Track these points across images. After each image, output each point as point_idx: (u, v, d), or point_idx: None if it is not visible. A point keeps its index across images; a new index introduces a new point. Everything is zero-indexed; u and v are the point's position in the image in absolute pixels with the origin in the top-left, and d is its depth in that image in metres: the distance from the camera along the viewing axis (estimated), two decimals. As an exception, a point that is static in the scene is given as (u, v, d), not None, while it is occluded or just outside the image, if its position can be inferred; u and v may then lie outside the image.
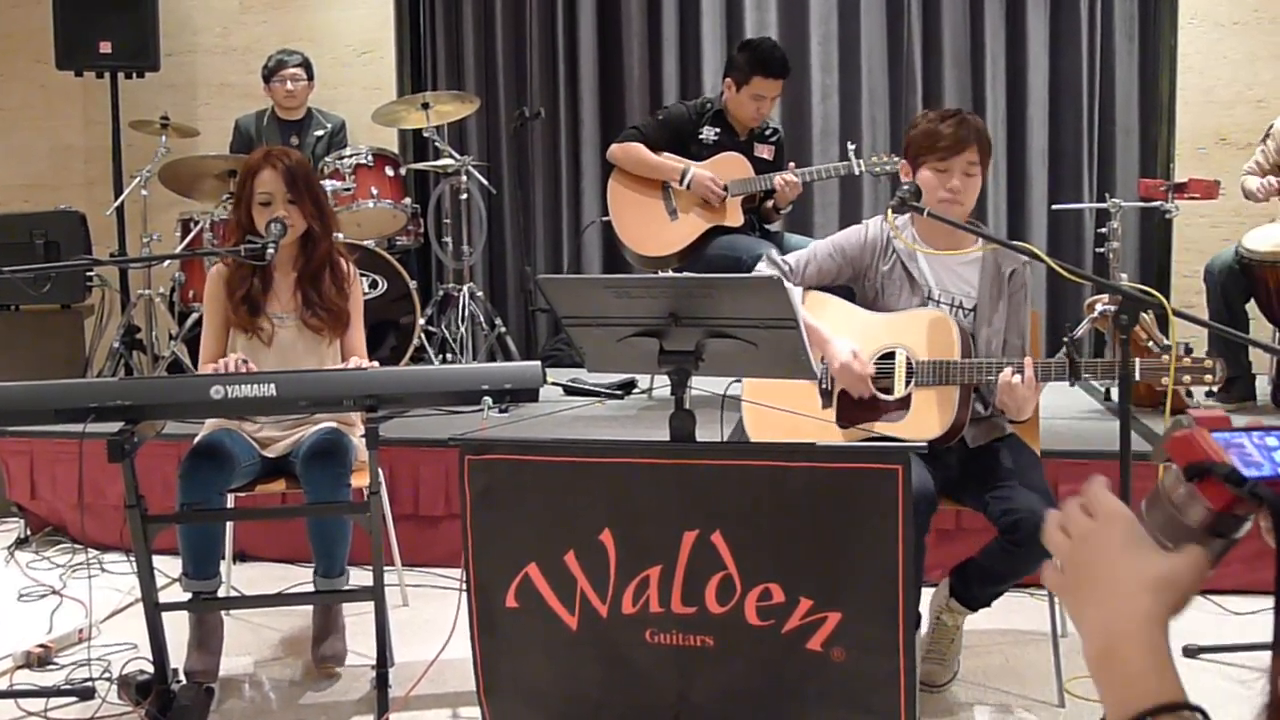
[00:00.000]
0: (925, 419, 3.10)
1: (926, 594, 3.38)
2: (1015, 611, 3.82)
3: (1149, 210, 5.55)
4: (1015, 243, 3.10)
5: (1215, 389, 2.88)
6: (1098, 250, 5.24)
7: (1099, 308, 4.82)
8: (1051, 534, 1.13)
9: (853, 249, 3.33)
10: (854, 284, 3.37)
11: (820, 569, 2.62)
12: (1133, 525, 1.08)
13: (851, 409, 3.19)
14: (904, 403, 3.13)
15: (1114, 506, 1.08)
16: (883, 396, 3.14)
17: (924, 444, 2.90)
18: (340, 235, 5.41)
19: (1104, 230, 5.11)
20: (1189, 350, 2.89)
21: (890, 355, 3.16)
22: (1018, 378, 2.97)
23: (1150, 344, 4.58)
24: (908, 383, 3.13)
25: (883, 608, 2.58)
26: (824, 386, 3.23)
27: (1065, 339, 3.01)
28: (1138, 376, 2.85)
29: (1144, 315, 4.24)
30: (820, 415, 3.21)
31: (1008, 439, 3.25)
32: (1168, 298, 4.61)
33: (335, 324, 3.65)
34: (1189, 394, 4.55)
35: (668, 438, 2.71)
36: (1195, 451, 1.06)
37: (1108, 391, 5.17)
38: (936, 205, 3.14)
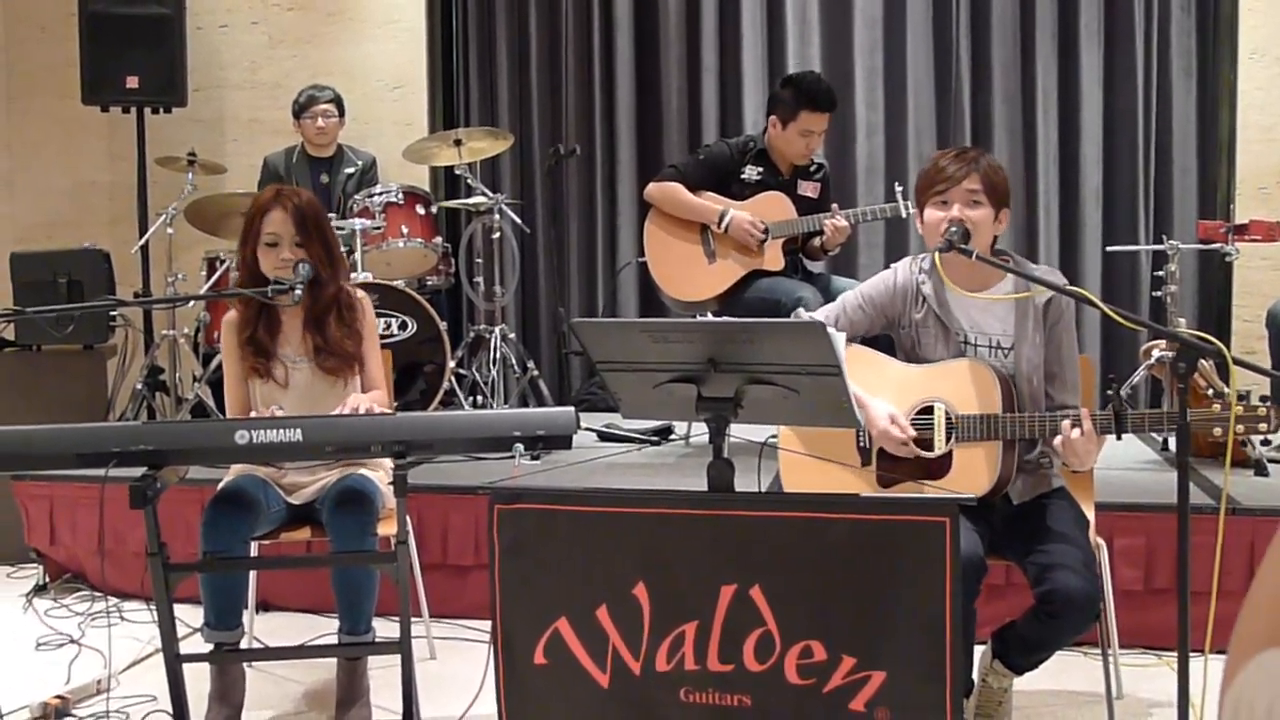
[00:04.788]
0: (968, 476, 3.07)
1: (978, 653, 3.35)
2: (1068, 671, 3.78)
3: (1208, 253, 5.53)
4: (1063, 285, 3.08)
5: (1270, 438, 2.84)
6: (1154, 294, 5.21)
7: (1155, 354, 4.79)
8: None
9: (882, 298, 3.30)
10: (890, 332, 3.35)
11: (864, 626, 2.60)
12: None
13: (890, 466, 3.17)
14: (945, 460, 3.11)
15: None
16: (923, 454, 3.12)
17: (973, 497, 2.88)
18: (368, 275, 5.49)
19: (1161, 273, 5.08)
20: (1242, 396, 2.87)
21: (928, 409, 3.15)
22: (1076, 431, 2.94)
23: (1210, 392, 4.55)
24: (948, 438, 3.11)
25: (930, 667, 2.56)
26: (862, 444, 3.22)
27: (1110, 391, 2.98)
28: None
29: (1203, 363, 4.22)
30: (860, 471, 3.20)
31: (1055, 494, 3.23)
32: (1228, 344, 4.57)
33: (349, 367, 3.67)
34: (1244, 444, 4.51)
35: (705, 487, 2.71)
36: None
37: (1165, 441, 5.13)
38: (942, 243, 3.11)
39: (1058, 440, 2.97)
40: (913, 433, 3.10)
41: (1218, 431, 2.86)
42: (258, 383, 3.65)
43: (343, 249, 5.50)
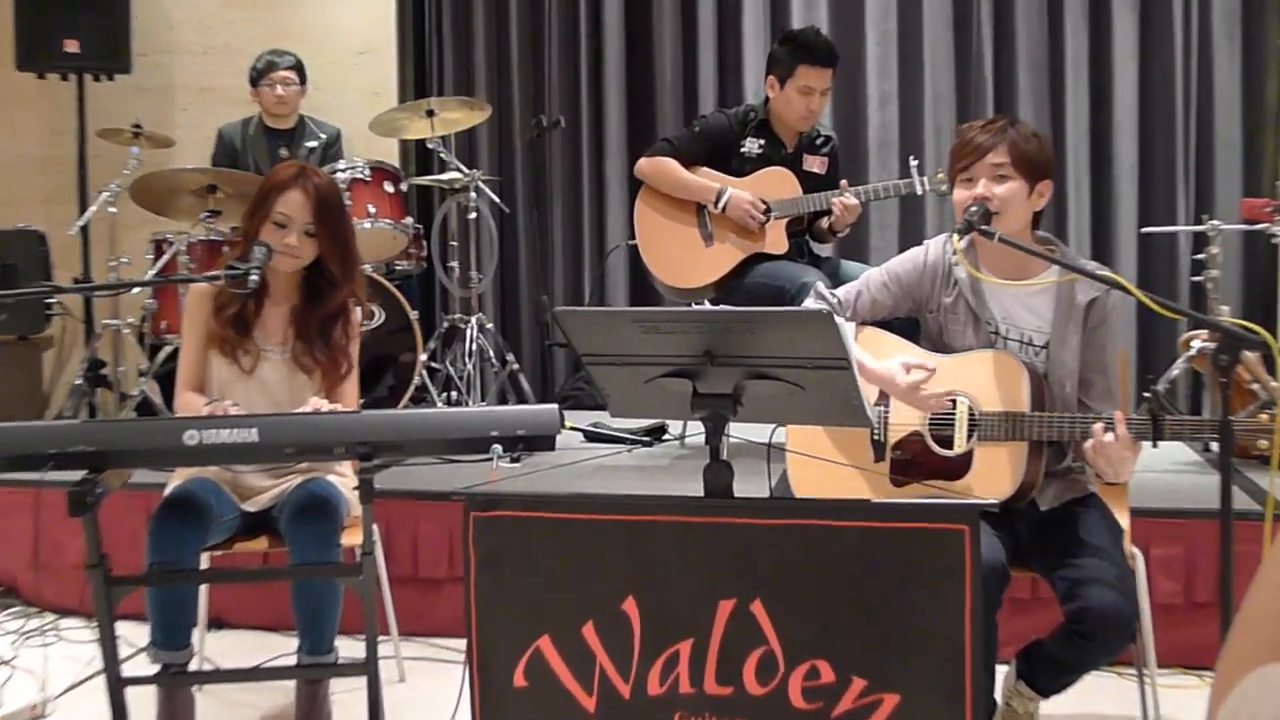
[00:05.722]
0: (990, 478, 3.08)
1: (1000, 673, 3.35)
2: (1100, 694, 3.79)
3: (1253, 234, 5.53)
4: (1099, 271, 3.08)
5: None
6: (1194, 280, 5.22)
7: (1196, 345, 4.79)
8: None
9: (910, 277, 3.31)
10: (917, 316, 3.35)
11: (875, 644, 2.60)
12: None
13: (907, 465, 3.17)
14: (966, 459, 3.11)
15: None
16: (942, 452, 3.12)
17: (994, 503, 2.88)
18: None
19: (1201, 256, 5.09)
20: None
21: (950, 404, 3.14)
22: (1109, 435, 2.93)
23: (1255, 387, 4.55)
24: (970, 436, 3.11)
25: (948, 689, 2.56)
26: (876, 437, 3.22)
27: (1147, 393, 2.98)
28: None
29: (1247, 355, 4.21)
30: (873, 469, 3.20)
31: (1086, 500, 3.23)
32: (1275, 334, 4.58)
33: (332, 371, 3.66)
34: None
35: (701, 492, 2.71)
36: None
37: (1207, 442, 5.13)
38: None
39: (1089, 445, 2.96)
40: (933, 364, 3.10)
41: (1264, 444, 2.85)
42: (220, 362, 3.63)
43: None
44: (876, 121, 6.75)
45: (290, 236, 3.56)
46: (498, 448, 3.04)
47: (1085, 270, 3.08)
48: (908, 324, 3.41)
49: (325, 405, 3.46)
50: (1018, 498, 3.09)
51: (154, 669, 3.41)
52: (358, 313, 3.76)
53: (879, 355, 3.23)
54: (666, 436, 5.62)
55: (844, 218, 4.95)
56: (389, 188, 5.93)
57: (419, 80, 7.30)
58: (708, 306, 4.99)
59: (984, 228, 3.05)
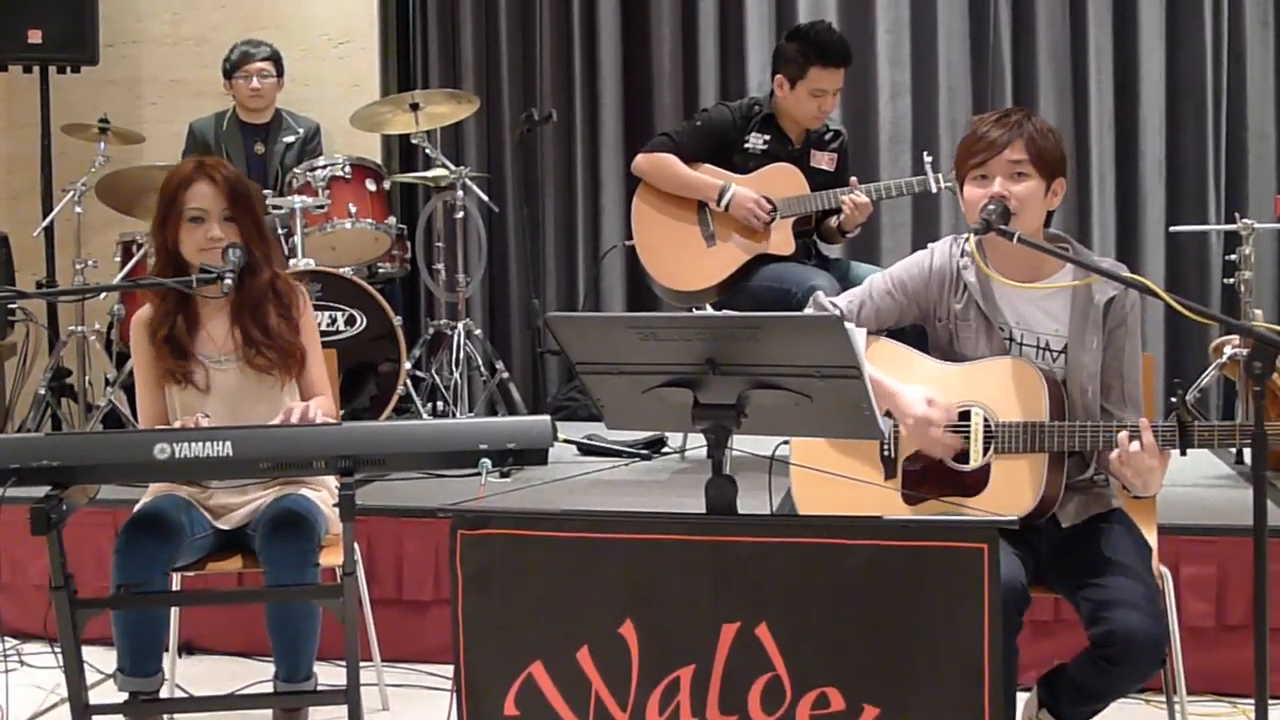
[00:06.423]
0: (1008, 493, 3.07)
1: (1021, 700, 3.34)
2: (1127, 722, 3.78)
3: (1288, 233, 5.54)
4: (1124, 274, 3.07)
5: None
6: (1226, 281, 5.22)
7: (1228, 351, 4.79)
8: None
9: (916, 283, 3.29)
10: (925, 324, 3.34)
11: (888, 670, 2.59)
12: None
13: (920, 480, 3.17)
14: (982, 474, 3.11)
15: None
16: (957, 466, 3.12)
17: (1014, 519, 2.88)
18: (310, 262, 5.48)
19: (1233, 257, 5.09)
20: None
21: (965, 415, 3.14)
22: (1135, 444, 2.93)
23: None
24: (987, 449, 3.11)
25: (965, 717, 2.56)
26: (886, 453, 3.21)
27: (1174, 398, 2.96)
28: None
29: (1282, 361, 4.22)
30: (883, 486, 3.19)
31: (1111, 516, 3.22)
32: (1312, 340, 4.58)
33: (287, 362, 3.66)
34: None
35: (703, 509, 2.70)
36: None
37: (1240, 453, 5.13)
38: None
39: (1114, 456, 2.96)
40: (955, 414, 3.09)
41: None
42: (175, 390, 3.63)
43: (279, 231, 5.52)
44: (888, 115, 6.75)
45: (212, 229, 3.57)
46: (487, 462, 3.03)
47: (1104, 270, 3.08)
48: (915, 332, 3.40)
49: (297, 409, 3.44)
50: (1038, 513, 3.08)
51: (121, 697, 3.41)
52: (301, 291, 3.77)
53: (887, 367, 3.21)
54: (666, 450, 5.61)
55: (854, 217, 4.95)
56: (370, 186, 5.94)
57: (402, 72, 7.30)
58: (709, 311, 4.99)
59: (1003, 227, 3.04)
